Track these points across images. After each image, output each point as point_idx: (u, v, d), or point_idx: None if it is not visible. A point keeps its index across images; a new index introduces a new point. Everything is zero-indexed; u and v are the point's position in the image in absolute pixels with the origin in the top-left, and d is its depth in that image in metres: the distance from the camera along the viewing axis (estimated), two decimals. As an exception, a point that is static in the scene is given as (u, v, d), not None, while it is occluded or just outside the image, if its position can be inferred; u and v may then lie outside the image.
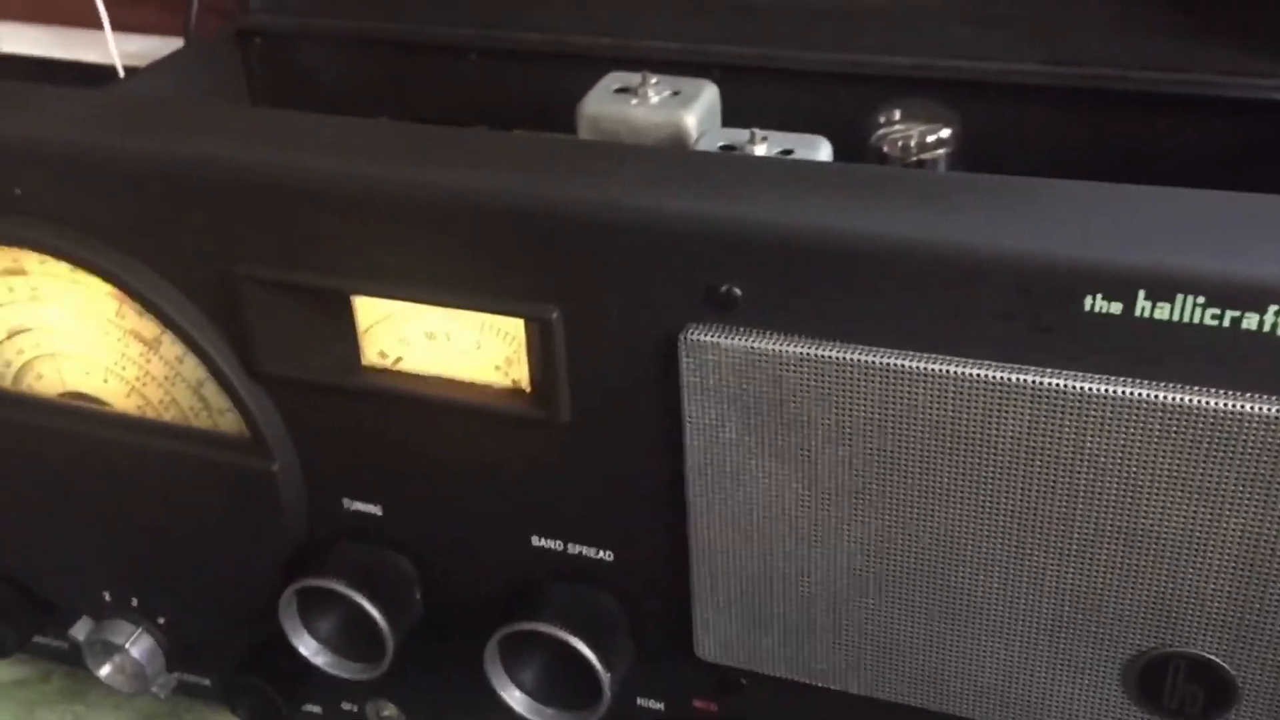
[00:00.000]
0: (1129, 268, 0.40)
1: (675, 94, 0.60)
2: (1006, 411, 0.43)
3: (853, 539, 0.48)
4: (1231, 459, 0.41)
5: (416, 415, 0.53)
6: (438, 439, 0.53)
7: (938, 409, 0.44)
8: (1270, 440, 0.41)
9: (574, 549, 0.54)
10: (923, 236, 0.43)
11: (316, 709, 0.65)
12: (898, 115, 0.62)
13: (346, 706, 0.64)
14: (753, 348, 0.46)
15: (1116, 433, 0.42)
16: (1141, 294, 0.40)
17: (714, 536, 0.50)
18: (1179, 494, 0.43)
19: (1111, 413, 0.42)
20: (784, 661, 0.52)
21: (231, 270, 0.51)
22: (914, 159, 0.60)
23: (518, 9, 0.72)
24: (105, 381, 0.57)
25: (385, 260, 0.50)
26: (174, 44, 0.80)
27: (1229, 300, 0.39)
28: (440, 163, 0.49)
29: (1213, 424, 0.41)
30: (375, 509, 0.56)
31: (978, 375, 0.43)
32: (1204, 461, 0.42)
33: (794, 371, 0.45)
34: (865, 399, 0.45)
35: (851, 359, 0.45)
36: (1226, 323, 0.40)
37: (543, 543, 0.54)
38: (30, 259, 0.55)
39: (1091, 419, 0.42)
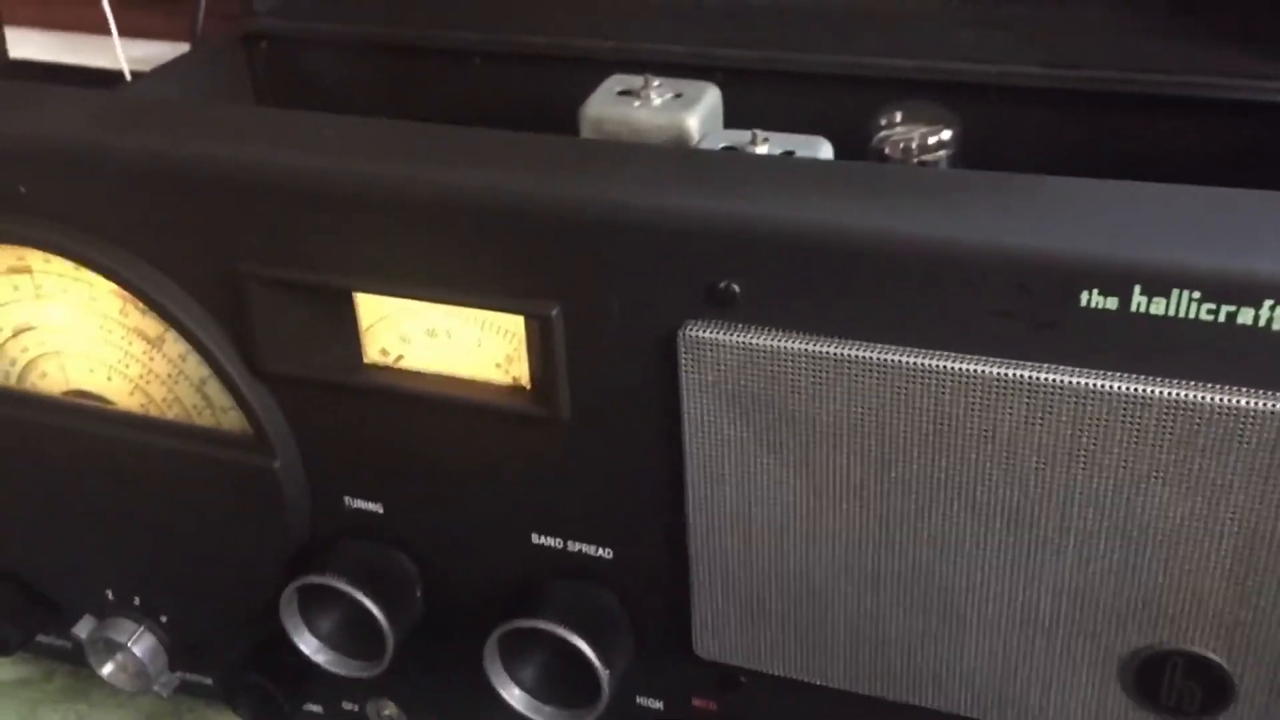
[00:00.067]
0: (1124, 263, 0.40)
1: (677, 96, 0.60)
2: (1004, 407, 0.43)
3: (851, 536, 0.48)
4: (1228, 454, 0.41)
5: (418, 413, 0.53)
6: (439, 437, 0.53)
7: (936, 405, 0.44)
8: (1266, 435, 0.41)
9: (574, 546, 0.54)
10: (920, 233, 0.43)
11: (317, 708, 0.65)
12: (899, 117, 0.62)
13: (347, 706, 0.65)
14: (751, 344, 0.46)
15: (1113, 428, 0.42)
16: (1137, 289, 0.40)
17: (713, 534, 0.50)
18: (1176, 490, 0.43)
19: (1108, 408, 0.42)
20: (783, 659, 0.52)
21: (235, 268, 0.52)
22: (915, 161, 0.61)
23: (521, 13, 0.72)
24: (109, 380, 0.57)
25: (386, 258, 0.50)
26: (181, 49, 0.80)
27: (1224, 295, 0.39)
28: (441, 161, 0.49)
29: (1209, 419, 0.41)
30: (377, 507, 0.56)
31: (975, 371, 0.43)
32: (1200, 457, 0.42)
33: (792, 368, 0.46)
34: (864, 395, 0.45)
35: (850, 355, 0.45)
36: (1222, 318, 0.40)
37: (543, 540, 0.54)
38: (35, 257, 0.55)
39: (1088, 415, 0.42)
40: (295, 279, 0.51)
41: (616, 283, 0.47)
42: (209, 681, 0.67)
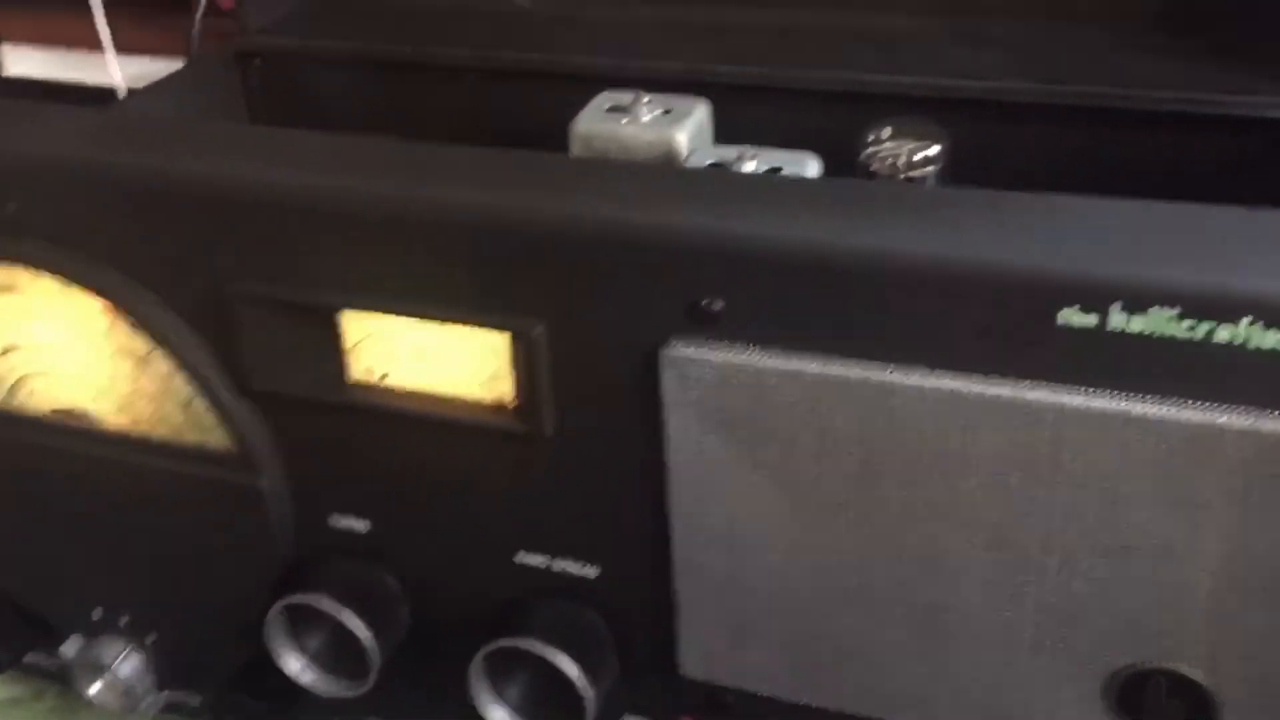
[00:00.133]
0: (1102, 280, 0.40)
1: (666, 112, 0.60)
2: (985, 426, 0.43)
3: (836, 554, 0.48)
4: (1209, 472, 0.41)
5: (403, 431, 0.53)
6: (424, 454, 0.53)
7: (917, 423, 0.44)
8: (1247, 453, 0.40)
9: (559, 565, 0.54)
10: (900, 250, 0.43)
11: (306, 728, 0.65)
12: (887, 133, 0.62)
13: (336, 725, 0.65)
14: (734, 362, 0.46)
15: (1093, 446, 0.42)
16: (1115, 307, 0.40)
17: (697, 552, 0.50)
18: (1157, 508, 0.42)
19: (1088, 426, 0.42)
20: (769, 679, 0.52)
21: (220, 286, 0.52)
22: (903, 177, 0.60)
23: (514, 30, 0.73)
24: (96, 398, 0.57)
25: (371, 275, 0.50)
26: (178, 66, 0.80)
27: (1203, 312, 0.39)
28: (424, 179, 0.49)
29: (1189, 437, 0.41)
30: (362, 525, 0.56)
31: (956, 389, 0.43)
32: (1181, 475, 0.42)
33: (775, 386, 0.46)
34: (845, 413, 0.45)
35: (832, 373, 0.45)
36: (1201, 335, 0.40)
37: (528, 559, 0.54)
38: (22, 275, 0.55)
39: (1069, 433, 0.42)
40: (280, 297, 0.51)
41: (599, 300, 0.47)
42: (196, 701, 0.66)
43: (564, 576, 0.54)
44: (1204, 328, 0.40)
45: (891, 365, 0.44)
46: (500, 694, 0.55)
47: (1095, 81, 0.61)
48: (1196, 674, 0.45)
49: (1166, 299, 0.40)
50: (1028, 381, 0.43)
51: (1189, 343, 0.40)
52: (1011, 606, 0.46)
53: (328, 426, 0.54)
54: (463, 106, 0.73)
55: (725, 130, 0.61)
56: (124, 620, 0.63)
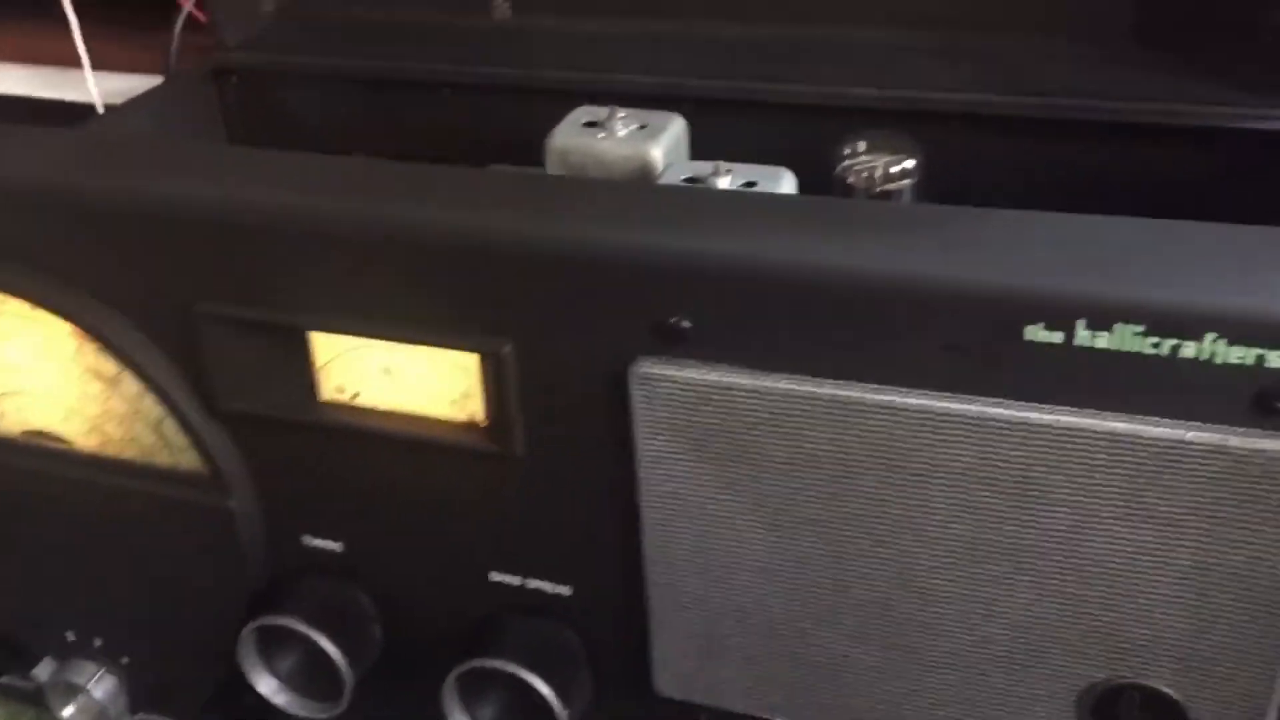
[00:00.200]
0: (1067, 297, 0.40)
1: (642, 127, 0.60)
2: (953, 443, 0.43)
3: (807, 571, 0.48)
4: (1176, 489, 0.41)
5: (374, 450, 0.53)
6: (396, 474, 0.53)
7: (886, 441, 0.44)
8: (1213, 469, 0.40)
9: (532, 584, 0.54)
10: (866, 268, 0.43)
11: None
12: (862, 147, 0.62)
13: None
14: (702, 380, 0.46)
15: (1061, 463, 0.42)
16: (1081, 323, 0.40)
17: (669, 570, 0.50)
18: (1126, 524, 0.42)
19: (1056, 443, 0.42)
20: (742, 695, 0.52)
21: (189, 307, 0.52)
22: (878, 190, 0.60)
23: (490, 45, 0.72)
24: (66, 420, 0.57)
25: (339, 296, 0.50)
26: (157, 82, 0.80)
27: (1167, 329, 0.39)
28: (391, 199, 0.49)
29: (1156, 453, 0.41)
30: (335, 545, 0.56)
31: (924, 407, 0.43)
32: (1149, 491, 0.41)
33: (744, 404, 0.45)
34: (815, 431, 0.45)
35: (800, 391, 0.44)
36: (1166, 351, 0.40)
37: (501, 577, 0.54)
38: (-10, 298, 0.55)
39: (1036, 449, 0.42)
40: (249, 318, 0.51)
41: (567, 319, 0.47)
42: (171, 722, 0.66)
43: (537, 595, 0.54)
44: (1169, 344, 0.39)
45: (860, 383, 0.44)
46: (473, 714, 0.55)
47: (1069, 94, 0.61)
48: (1169, 689, 0.45)
49: (1131, 316, 0.39)
50: (996, 399, 0.42)
51: (1155, 359, 0.40)
52: (983, 623, 0.46)
53: (299, 446, 0.54)
54: (439, 121, 0.73)
55: (702, 144, 0.61)
56: (97, 642, 0.62)
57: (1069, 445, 0.42)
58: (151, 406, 0.54)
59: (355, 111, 0.75)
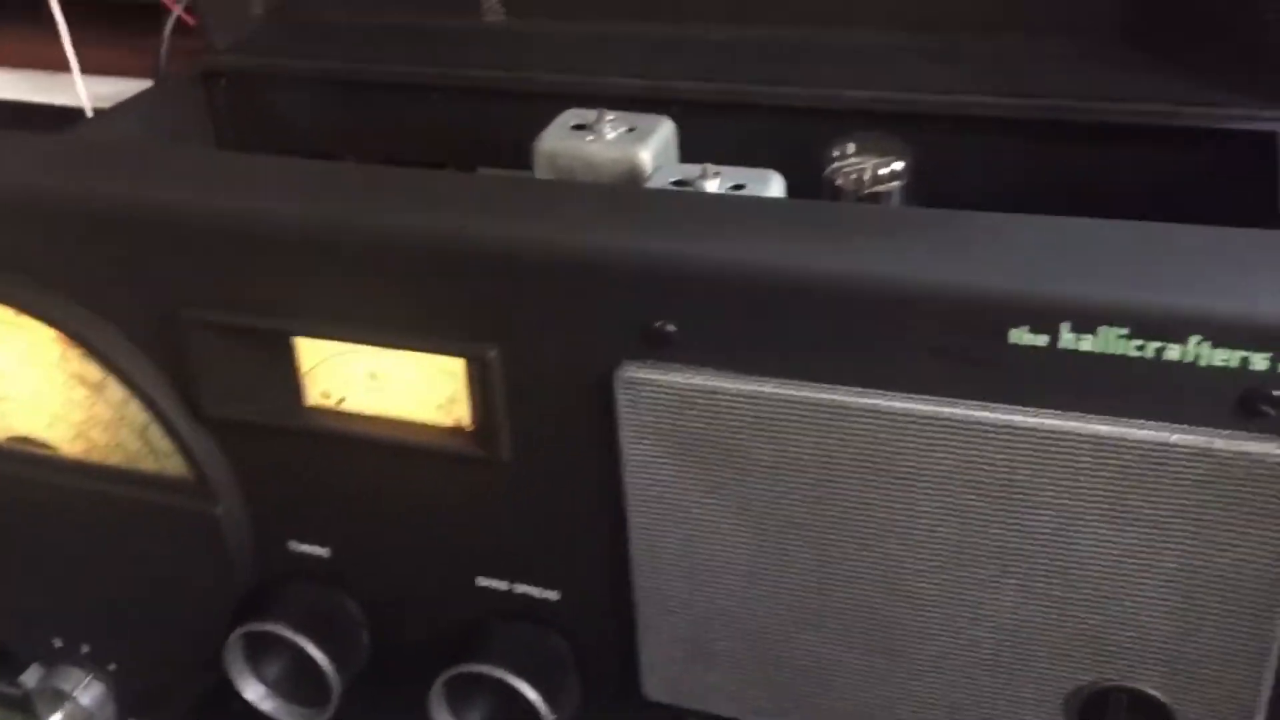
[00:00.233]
0: (1051, 300, 0.40)
1: (631, 130, 0.60)
2: (939, 446, 0.43)
3: (793, 575, 0.48)
4: (1160, 491, 0.41)
5: (361, 456, 0.53)
6: (383, 479, 0.53)
7: (871, 444, 0.44)
8: (1198, 472, 0.40)
9: (519, 588, 0.54)
10: (852, 271, 0.43)
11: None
12: (851, 148, 0.62)
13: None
14: (688, 385, 0.45)
15: (1047, 466, 0.42)
16: (1065, 326, 0.40)
17: (656, 574, 0.50)
18: (1111, 527, 0.42)
19: (1041, 446, 0.42)
20: (730, 699, 0.52)
21: (174, 313, 0.51)
22: (868, 192, 0.60)
23: (479, 48, 0.72)
24: (51, 426, 0.57)
25: (325, 301, 0.50)
26: (147, 86, 0.80)
27: (1151, 331, 0.39)
28: (377, 204, 0.49)
29: (1141, 456, 0.41)
30: (322, 551, 0.56)
31: (910, 410, 0.43)
32: (1134, 494, 0.41)
33: (729, 408, 0.45)
34: (800, 434, 0.45)
35: (786, 395, 0.44)
36: (1150, 354, 0.40)
37: (489, 582, 0.54)
38: (-26, 304, 0.55)
39: (1021, 452, 0.42)
40: (234, 323, 0.51)
41: (552, 323, 0.47)
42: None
43: (525, 600, 0.54)
44: (1153, 346, 0.39)
45: (845, 386, 0.44)
46: (461, 719, 0.55)
47: (1059, 95, 0.61)
48: (1156, 691, 0.45)
49: (1115, 318, 0.39)
50: (981, 402, 0.42)
51: (1139, 361, 0.40)
52: (969, 625, 0.46)
53: (285, 452, 0.54)
54: (428, 124, 0.73)
55: (691, 146, 0.61)
56: (84, 649, 0.62)
57: (1054, 448, 0.42)
58: (136, 412, 0.54)
59: (344, 115, 0.75)
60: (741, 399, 0.45)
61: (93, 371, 0.54)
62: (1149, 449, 0.40)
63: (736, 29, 0.70)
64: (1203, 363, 0.39)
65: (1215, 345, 0.39)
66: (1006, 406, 0.42)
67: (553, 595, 0.53)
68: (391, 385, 0.52)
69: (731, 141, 0.62)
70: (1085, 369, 0.40)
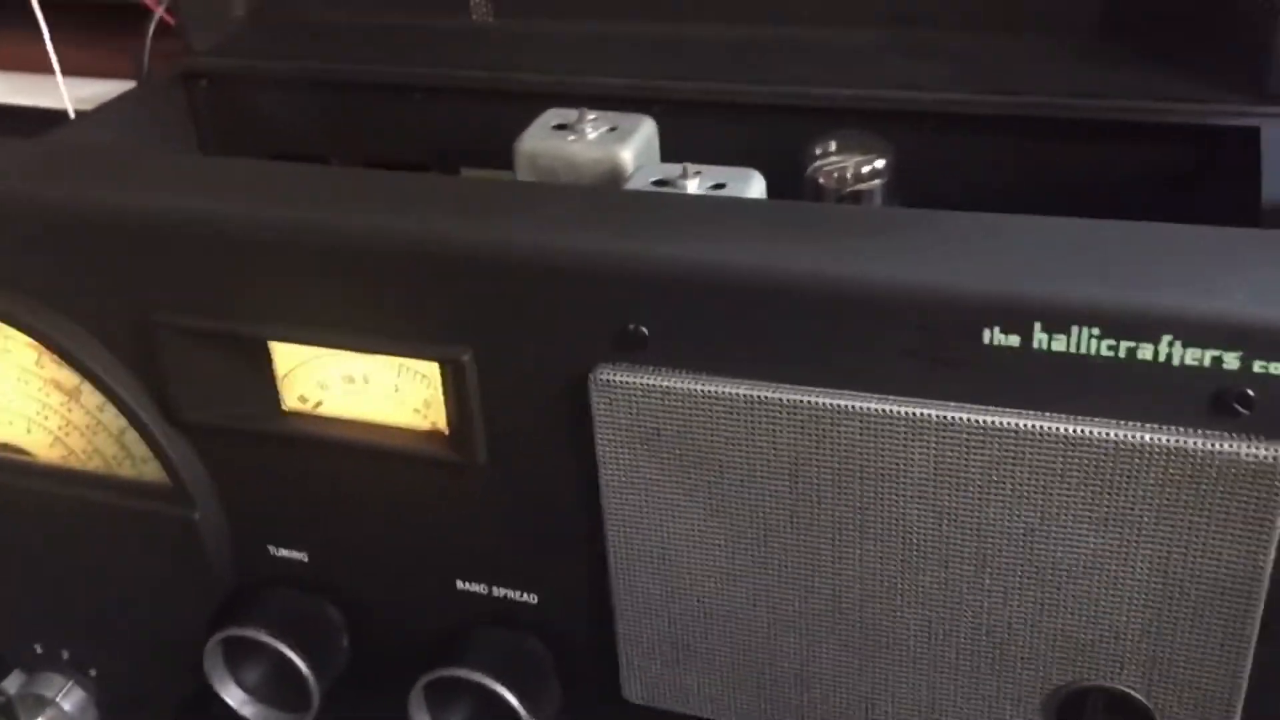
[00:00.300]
0: (1023, 300, 0.40)
1: (612, 130, 0.59)
2: (913, 447, 0.43)
3: (770, 576, 0.48)
4: (1134, 490, 0.41)
5: (339, 460, 0.53)
6: (361, 483, 0.53)
7: (846, 445, 0.44)
8: (1170, 471, 0.40)
9: (499, 592, 0.53)
10: (824, 273, 0.43)
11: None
12: (833, 147, 0.61)
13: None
14: (662, 387, 0.45)
15: (1021, 466, 0.42)
16: (1038, 326, 0.40)
17: (634, 576, 0.50)
18: (1086, 527, 0.42)
19: (1015, 446, 0.42)
20: (710, 701, 0.52)
21: (148, 318, 0.51)
22: (849, 190, 0.60)
23: (461, 47, 0.72)
24: (28, 432, 0.57)
25: (299, 305, 0.49)
26: (130, 87, 0.80)
27: (1123, 331, 0.39)
28: (348, 207, 0.49)
29: (1114, 455, 0.41)
30: (301, 555, 0.56)
31: (883, 411, 0.43)
32: (1108, 493, 0.41)
33: (704, 410, 0.45)
34: (775, 436, 0.45)
35: (760, 396, 0.44)
36: (1122, 354, 0.39)
37: (467, 586, 0.54)
38: (-52, 311, 0.55)
39: (995, 452, 0.42)
40: (208, 328, 0.51)
41: (527, 326, 0.47)
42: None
43: (504, 603, 0.53)
44: (1125, 346, 0.39)
45: (820, 388, 0.44)
46: (442, 724, 0.55)
47: (1042, 92, 0.61)
48: (1134, 690, 0.45)
49: (1086, 318, 0.39)
50: (956, 402, 0.42)
51: (1111, 361, 0.40)
52: (947, 626, 0.46)
53: (262, 457, 0.54)
54: (412, 125, 0.72)
55: (672, 145, 0.60)
56: (65, 654, 0.62)
57: (1028, 448, 0.41)
58: (113, 418, 0.54)
59: (327, 116, 0.74)
60: (716, 401, 0.45)
61: (68, 377, 0.54)
62: (1122, 449, 0.40)
63: (718, 27, 0.70)
64: (1175, 362, 0.39)
65: (1187, 345, 0.39)
66: (980, 407, 0.42)
67: (532, 599, 0.53)
68: (367, 389, 0.51)
69: (713, 140, 0.62)
70: (1058, 369, 0.40)
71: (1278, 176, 0.52)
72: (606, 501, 0.48)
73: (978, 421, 0.42)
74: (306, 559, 0.56)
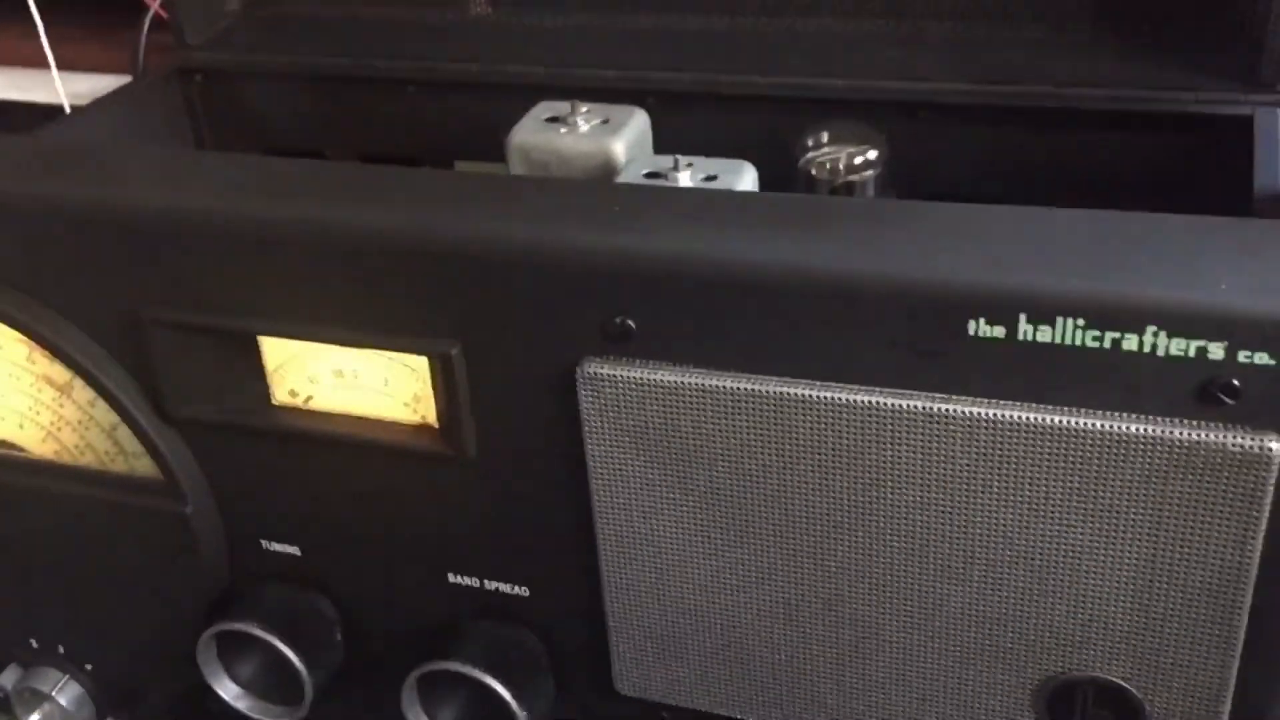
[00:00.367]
0: (1009, 291, 0.40)
1: (605, 122, 0.59)
2: (899, 438, 0.43)
3: (758, 568, 0.48)
4: (1120, 480, 0.41)
5: (330, 454, 0.53)
6: (352, 477, 0.53)
7: (832, 436, 0.44)
8: (1157, 462, 0.40)
9: (490, 585, 0.53)
10: (809, 265, 0.43)
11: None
12: (825, 138, 0.61)
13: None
14: (649, 379, 0.45)
15: (1007, 457, 0.42)
16: (1023, 317, 0.40)
17: (624, 568, 0.50)
18: (1072, 517, 0.42)
19: (1001, 437, 0.41)
20: (701, 693, 0.52)
21: (137, 313, 0.51)
22: (842, 181, 0.60)
23: (454, 40, 0.72)
24: (21, 428, 0.57)
25: (288, 300, 0.49)
26: (126, 82, 0.80)
27: (1108, 322, 0.39)
28: (336, 202, 0.49)
29: (1100, 446, 0.40)
30: (294, 550, 0.56)
31: (869, 402, 0.43)
32: (1094, 483, 0.41)
33: (690, 402, 0.45)
34: (762, 428, 0.45)
35: (745, 389, 0.44)
36: (1107, 344, 0.39)
37: (460, 580, 0.54)
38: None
39: (981, 444, 0.42)
40: (198, 323, 0.51)
41: (514, 319, 0.47)
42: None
43: (497, 596, 0.54)
44: (1110, 337, 0.39)
45: (806, 380, 0.44)
46: (434, 717, 0.55)
47: (1034, 81, 0.61)
48: (1123, 681, 0.45)
49: (1071, 309, 0.39)
50: (942, 394, 0.42)
51: (1096, 352, 0.39)
52: (935, 616, 0.46)
53: (254, 451, 0.54)
54: (406, 118, 0.72)
55: (665, 137, 0.60)
56: (60, 649, 0.62)
57: (1014, 439, 0.41)
58: (105, 413, 0.54)
59: (321, 110, 0.74)
60: (703, 393, 0.45)
61: (60, 373, 0.54)
62: (1108, 439, 0.40)
63: (710, 19, 0.70)
64: (1160, 353, 0.39)
65: (1172, 335, 0.38)
66: (966, 398, 0.42)
67: (523, 591, 0.53)
68: (357, 384, 0.51)
69: (706, 132, 0.62)
70: (1044, 360, 0.40)
71: (1270, 165, 0.52)
72: (595, 493, 0.48)
73: (963, 413, 0.42)
74: (299, 553, 0.56)
